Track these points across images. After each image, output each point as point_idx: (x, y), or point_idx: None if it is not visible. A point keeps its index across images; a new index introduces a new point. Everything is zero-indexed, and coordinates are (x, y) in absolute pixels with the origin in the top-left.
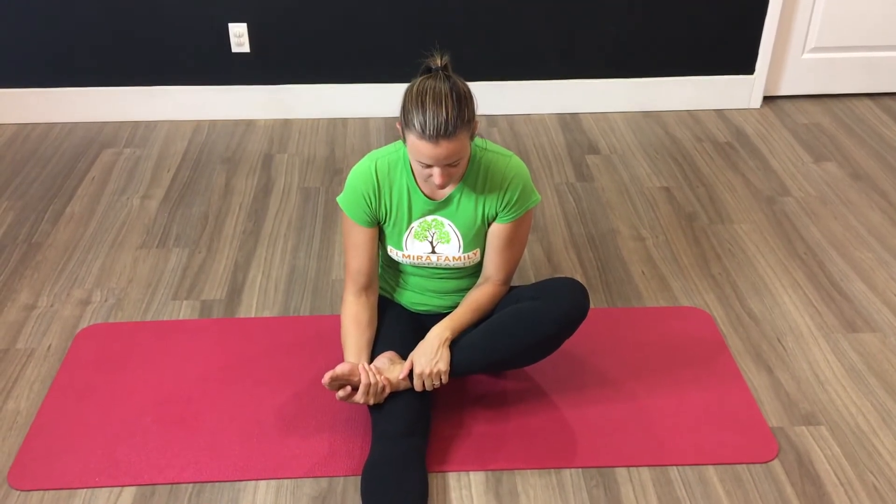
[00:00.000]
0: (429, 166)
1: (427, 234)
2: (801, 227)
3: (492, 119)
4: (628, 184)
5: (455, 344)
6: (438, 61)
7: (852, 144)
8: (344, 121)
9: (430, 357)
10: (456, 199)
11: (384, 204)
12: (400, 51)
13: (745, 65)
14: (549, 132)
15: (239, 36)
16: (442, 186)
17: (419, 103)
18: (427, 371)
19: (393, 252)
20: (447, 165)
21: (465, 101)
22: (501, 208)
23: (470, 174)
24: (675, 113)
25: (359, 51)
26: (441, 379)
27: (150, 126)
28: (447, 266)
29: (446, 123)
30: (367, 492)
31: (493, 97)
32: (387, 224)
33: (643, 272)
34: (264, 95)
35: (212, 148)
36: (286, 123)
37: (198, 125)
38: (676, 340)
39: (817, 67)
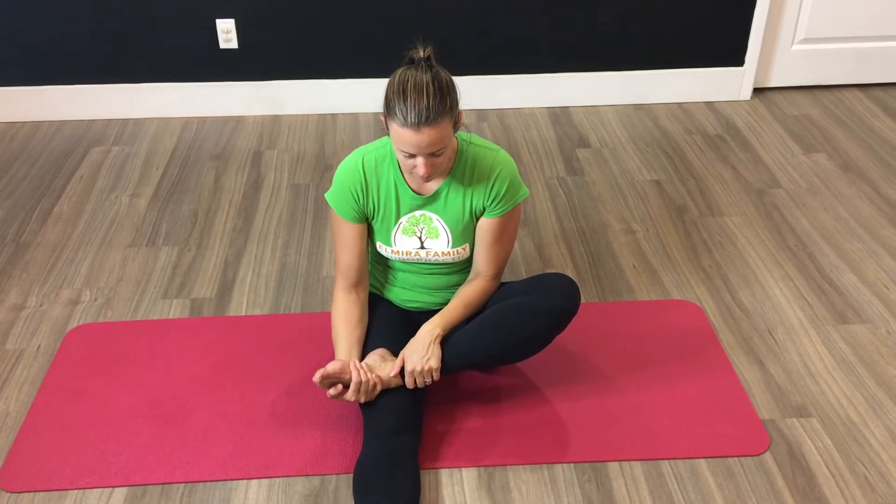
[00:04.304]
0: (412, 156)
1: (416, 229)
2: (791, 219)
3: (482, 114)
4: (619, 177)
5: (446, 340)
6: (421, 52)
7: (842, 136)
8: (334, 116)
9: (422, 354)
10: (444, 194)
11: (372, 199)
12: (389, 46)
13: (734, 57)
14: (539, 126)
15: (227, 32)
16: (426, 177)
17: (401, 92)
18: (418, 368)
19: (382, 248)
20: (430, 155)
21: (447, 90)
22: (489, 202)
23: (457, 168)
24: (666, 106)
25: (348, 46)
26: (433, 376)
27: (139, 123)
28: (437, 261)
29: (428, 110)
30: (359, 491)
31: (482, 92)
32: (375, 220)
33: (634, 266)
34: (253, 91)
35: (201, 145)
36: (275, 119)
37: (186, 122)
38: (667, 334)
39: (807, 59)
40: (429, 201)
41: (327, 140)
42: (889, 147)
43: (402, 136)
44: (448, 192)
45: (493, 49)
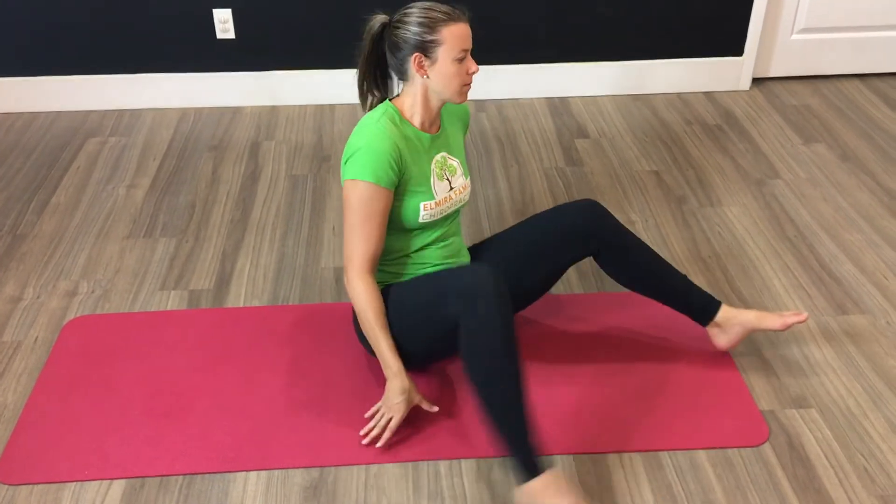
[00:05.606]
0: (463, 58)
1: (442, 172)
2: (790, 210)
3: (480, 104)
4: (618, 167)
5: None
6: (384, 16)
7: (841, 126)
8: (331, 107)
9: None
10: (446, 130)
11: (404, 157)
12: None
13: (733, 46)
14: (538, 116)
15: (224, 22)
16: (473, 76)
17: (428, 8)
18: None
19: (426, 208)
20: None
21: None
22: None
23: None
24: (665, 96)
25: (345, 36)
26: None
27: (135, 114)
28: (460, 203)
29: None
30: (472, 359)
31: (481, 82)
32: (410, 177)
33: None
34: (250, 82)
35: (198, 136)
36: (273, 110)
37: (183, 113)
38: (667, 325)
39: (806, 48)
40: (440, 138)
41: (325, 131)
42: (888, 137)
43: (460, 34)
44: (446, 127)
45: (492, 39)
